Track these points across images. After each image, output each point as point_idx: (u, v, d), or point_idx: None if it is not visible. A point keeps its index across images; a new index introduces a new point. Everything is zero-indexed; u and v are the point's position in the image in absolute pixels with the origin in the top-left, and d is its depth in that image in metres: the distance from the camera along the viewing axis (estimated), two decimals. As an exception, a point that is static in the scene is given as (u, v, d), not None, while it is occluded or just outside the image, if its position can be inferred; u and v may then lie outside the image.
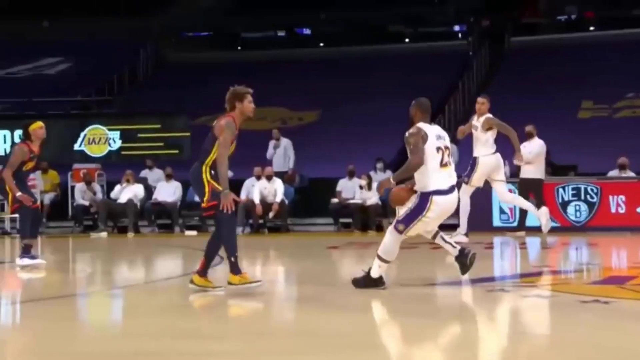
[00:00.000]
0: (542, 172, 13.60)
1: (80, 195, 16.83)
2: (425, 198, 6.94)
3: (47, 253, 11.64)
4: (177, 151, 18.52)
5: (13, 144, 20.62)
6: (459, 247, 7.49)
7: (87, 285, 8.30)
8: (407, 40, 27.05)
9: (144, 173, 17.78)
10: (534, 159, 13.26)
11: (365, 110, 21.05)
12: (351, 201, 15.82)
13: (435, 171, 6.97)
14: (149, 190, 17.03)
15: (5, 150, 19.94)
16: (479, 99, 11.72)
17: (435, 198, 6.93)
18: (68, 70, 26.55)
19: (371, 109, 21.04)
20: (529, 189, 13.48)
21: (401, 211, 7.10)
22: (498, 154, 11.54)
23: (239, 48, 28.26)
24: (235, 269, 7.04)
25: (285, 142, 17.34)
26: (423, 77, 22.64)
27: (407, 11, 27.27)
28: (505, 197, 12.29)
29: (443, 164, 7.03)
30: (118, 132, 19.05)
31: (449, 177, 7.09)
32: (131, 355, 4.80)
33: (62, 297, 7.50)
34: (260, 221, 15.97)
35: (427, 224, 7.10)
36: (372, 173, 16.24)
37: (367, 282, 7.20)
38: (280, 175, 16.48)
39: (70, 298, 7.61)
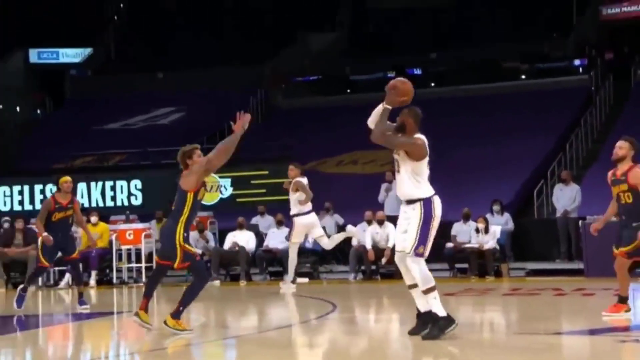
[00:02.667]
0: None
1: (194, 243, 17.13)
2: (427, 202, 7.15)
3: (163, 302, 11.86)
4: (287, 197, 18.70)
5: (130, 194, 21.49)
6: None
7: (200, 335, 8.39)
8: (523, 77, 26.53)
9: (255, 220, 17.99)
10: None
11: (480, 151, 20.70)
12: (467, 245, 15.47)
13: (427, 180, 7.24)
14: (260, 237, 17.22)
15: (122, 200, 20.70)
16: (290, 166, 13.39)
17: (434, 199, 7.19)
18: (181, 120, 27.40)
19: (487, 150, 20.68)
20: None
21: (406, 243, 7.10)
22: (312, 213, 13.25)
23: (348, 91, 28.46)
24: (177, 315, 8.04)
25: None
26: (541, 115, 22.13)
27: (522, 47, 26.84)
28: (329, 247, 13.63)
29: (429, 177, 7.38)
30: (229, 180, 19.45)
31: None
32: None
33: (178, 347, 7.59)
34: (373, 267, 15.83)
35: (434, 232, 7.22)
36: (488, 216, 15.88)
37: (441, 326, 6.99)
38: (392, 219, 16.33)
39: (184, 349, 7.69)
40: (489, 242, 15.20)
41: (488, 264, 15.13)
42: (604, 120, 22.75)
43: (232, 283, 16.51)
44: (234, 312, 11.60)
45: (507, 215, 16.25)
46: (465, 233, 15.63)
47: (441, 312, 7.03)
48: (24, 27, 31.56)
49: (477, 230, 15.41)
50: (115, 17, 34.56)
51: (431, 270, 7.10)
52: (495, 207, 16.13)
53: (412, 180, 7.11)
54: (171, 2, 33.00)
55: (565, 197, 15.88)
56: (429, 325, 7.11)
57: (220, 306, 12.50)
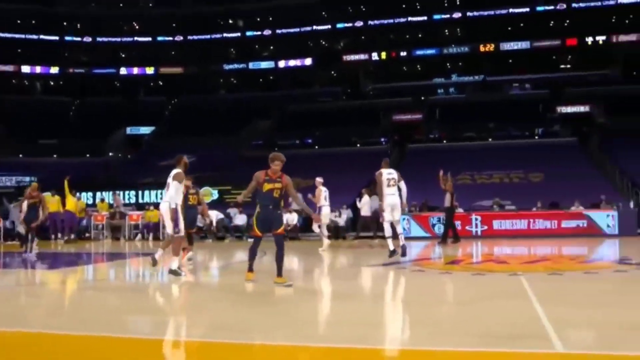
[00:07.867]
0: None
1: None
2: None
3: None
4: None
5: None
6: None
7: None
8: (358, 145, 26.79)
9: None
10: None
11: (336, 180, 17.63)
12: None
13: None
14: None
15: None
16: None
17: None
18: (196, 161, 23.88)
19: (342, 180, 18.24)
20: None
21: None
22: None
23: (276, 149, 26.99)
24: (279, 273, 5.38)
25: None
26: (368, 162, 21.15)
27: (358, 129, 27.07)
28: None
29: (388, 186, 7.43)
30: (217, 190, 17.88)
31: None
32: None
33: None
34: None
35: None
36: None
37: (391, 254, 7.30)
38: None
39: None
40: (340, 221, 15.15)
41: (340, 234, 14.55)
42: (395, 166, 22.97)
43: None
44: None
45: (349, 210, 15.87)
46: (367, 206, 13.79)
47: (391, 248, 7.35)
48: (124, 115, 29.85)
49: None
50: (166, 113, 33.19)
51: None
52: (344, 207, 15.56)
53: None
54: (195, 101, 31.58)
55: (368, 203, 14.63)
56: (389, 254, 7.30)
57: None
